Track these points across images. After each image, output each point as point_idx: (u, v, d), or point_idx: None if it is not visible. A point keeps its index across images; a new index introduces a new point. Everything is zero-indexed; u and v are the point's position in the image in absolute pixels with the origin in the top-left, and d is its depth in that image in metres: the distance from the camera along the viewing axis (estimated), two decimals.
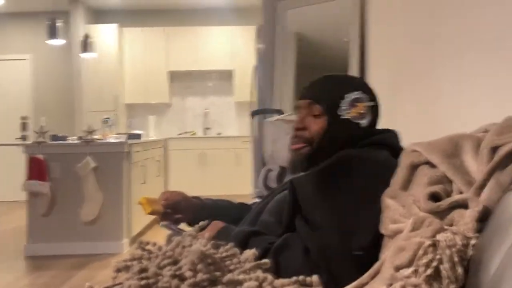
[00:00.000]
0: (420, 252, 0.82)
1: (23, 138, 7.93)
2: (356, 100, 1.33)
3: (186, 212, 1.55)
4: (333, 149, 1.29)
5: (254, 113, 2.96)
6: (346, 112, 1.32)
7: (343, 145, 1.30)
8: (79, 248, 4.46)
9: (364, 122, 1.33)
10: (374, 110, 1.36)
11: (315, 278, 0.81)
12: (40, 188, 4.37)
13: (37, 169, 4.38)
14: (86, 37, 6.11)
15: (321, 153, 1.32)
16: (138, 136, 5.40)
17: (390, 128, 1.40)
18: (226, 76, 8.28)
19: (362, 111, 1.33)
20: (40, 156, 4.40)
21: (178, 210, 1.53)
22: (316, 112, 1.34)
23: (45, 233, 4.48)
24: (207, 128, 8.40)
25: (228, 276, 0.75)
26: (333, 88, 1.36)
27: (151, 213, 1.51)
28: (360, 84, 1.38)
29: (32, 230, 4.49)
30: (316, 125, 1.34)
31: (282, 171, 2.34)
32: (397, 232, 0.99)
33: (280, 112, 2.77)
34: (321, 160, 1.29)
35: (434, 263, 0.79)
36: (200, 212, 1.54)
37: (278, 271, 1.08)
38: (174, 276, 0.78)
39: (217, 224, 1.36)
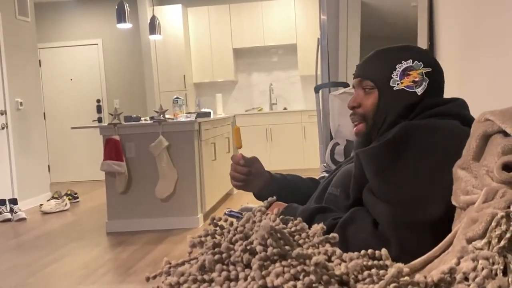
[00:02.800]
0: (493, 223, 0.80)
1: (99, 120, 8.32)
2: (408, 69, 1.29)
3: (256, 177, 1.54)
4: (392, 122, 1.27)
5: (319, 87, 2.94)
6: (399, 82, 1.29)
7: (403, 116, 1.27)
8: (156, 224, 4.65)
9: (420, 89, 1.29)
10: (433, 76, 1.31)
11: (384, 251, 0.82)
12: (117, 168, 4.57)
13: (113, 150, 4.58)
14: (154, 19, 6.24)
15: (378, 128, 1.30)
16: (207, 114, 5.51)
17: (460, 95, 1.36)
18: (290, 50, 8.24)
19: (416, 79, 1.29)
20: (116, 137, 4.60)
21: (250, 172, 1.53)
22: (367, 87, 1.33)
23: (123, 210, 4.71)
24: (273, 104, 8.42)
25: (297, 250, 0.77)
26: (382, 61, 1.33)
27: (238, 146, 1.54)
28: (412, 53, 1.33)
29: (111, 208, 4.73)
30: (368, 100, 1.32)
31: (349, 144, 2.33)
32: (470, 204, 0.97)
33: (345, 84, 2.73)
34: (380, 135, 1.27)
35: (508, 235, 0.77)
36: (269, 183, 1.55)
37: (346, 245, 1.09)
38: (245, 251, 0.81)
39: (281, 204, 1.38)
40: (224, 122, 6.19)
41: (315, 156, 5.51)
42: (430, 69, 1.30)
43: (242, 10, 8.12)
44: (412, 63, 1.30)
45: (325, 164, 2.50)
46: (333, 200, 1.36)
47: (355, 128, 1.36)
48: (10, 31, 6.13)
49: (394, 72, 1.30)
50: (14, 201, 5.64)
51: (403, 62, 1.30)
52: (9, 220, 5.45)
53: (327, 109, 2.72)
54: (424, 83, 1.29)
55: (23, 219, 5.48)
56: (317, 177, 1.79)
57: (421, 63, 1.30)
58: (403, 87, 1.29)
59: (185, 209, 4.69)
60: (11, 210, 5.54)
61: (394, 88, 1.29)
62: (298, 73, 8.21)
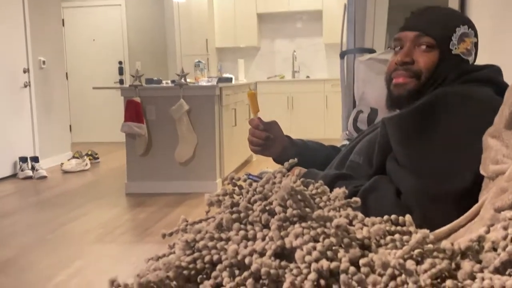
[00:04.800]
0: None
1: (120, 82, 8.33)
2: (465, 35, 1.24)
3: (275, 141, 1.51)
4: (439, 85, 1.22)
5: (344, 53, 2.87)
6: (456, 46, 1.24)
7: (449, 82, 1.22)
8: (175, 187, 4.68)
9: (471, 58, 1.25)
10: (477, 48, 1.27)
11: (408, 217, 0.79)
12: (137, 130, 4.58)
13: (134, 112, 4.58)
14: None
15: (427, 88, 1.24)
16: (228, 80, 5.46)
17: (491, 62, 1.30)
18: (315, 16, 8.08)
19: (468, 47, 1.24)
20: (137, 99, 4.59)
21: (269, 136, 1.49)
22: (426, 44, 1.25)
23: (143, 172, 4.74)
24: (296, 71, 8.32)
25: (318, 212, 0.75)
26: (444, 20, 1.26)
27: (255, 111, 1.49)
28: (467, 19, 1.28)
29: (131, 169, 4.77)
30: (427, 58, 1.25)
31: (373, 112, 2.27)
32: (499, 173, 0.93)
33: (371, 51, 2.66)
34: (424, 96, 1.22)
35: None
36: (288, 148, 1.51)
37: (366, 214, 1.06)
38: (264, 211, 0.79)
39: (302, 169, 1.34)
40: (245, 88, 6.14)
41: (336, 126, 5.45)
42: (476, 40, 1.26)
43: None
44: (468, 30, 1.25)
45: (347, 132, 2.45)
46: (355, 168, 1.32)
47: (401, 79, 1.27)
48: None
49: (454, 34, 1.24)
50: (35, 159, 5.72)
51: (461, 26, 1.24)
52: (30, 177, 5.54)
53: (351, 76, 2.66)
54: (473, 52, 1.25)
55: (44, 177, 5.56)
56: (338, 145, 1.75)
57: (473, 32, 1.25)
58: (459, 53, 1.24)
59: (204, 173, 4.70)
60: (33, 168, 5.62)
61: (453, 52, 1.24)
62: (323, 41, 8.07)
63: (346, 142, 1.97)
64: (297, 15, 8.24)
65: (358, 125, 2.34)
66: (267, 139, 1.48)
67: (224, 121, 4.89)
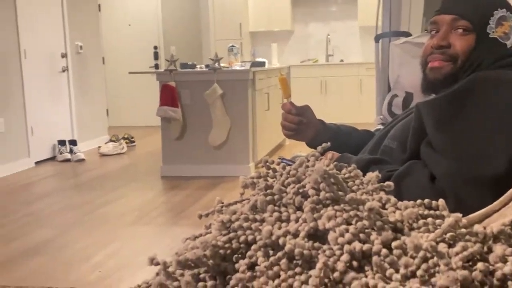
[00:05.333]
0: None
1: (156, 66, 8.42)
2: (503, 19, 1.22)
3: (308, 126, 1.51)
4: (476, 70, 1.20)
5: (379, 36, 2.84)
6: (494, 30, 1.21)
7: (486, 66, 1.20)
8: (209, 170, 4.74)
9: (509, 42, 1.22)
10: None
11: (441, 201, 0.79)
12: (172, 114, 4.64)
13: (169, 96, 4.64)
14: None
15: (464, 72, 1.23)
16: (262, 64, 5.46)
17: None
18: None
19: (506, 31, 1.22)
20: (172, 83, 4.65)
21: (302, 121, 1.49)
22: (462, 28, 1.23)
23: (178, 155, 4.81)
24: (330, 55, 8.25)
25: (351, 195, 0.76)
26: (481, 3, 1.24)
27: (287, 96, 1.50)
28: (505, 2, 1.26)
29: (166, 153, 4.85)
30: (464, 42, 1.23)
31: (408, 96, 2.25)
32: None
33: (407, 34, 2.62)
34: (461, 80, 1.21)
35: None
36: (321, 132, 1.51)
37: (400, 198, 1.07)
38: (297, 194, 0.81)
39: (335, 153, 1.35)
40: (278, 73, 6.13)
41: (370, 110, 5.40)
42: None
43: None
44: (506, 13, 1.22)
45: (381, 117, 2.44)
46: (389, 152, 1.32)
47: (437, 63, 1.26)
48: None
49: (491, 18, 1.22)
50: (73, 142, 5.87)
51: (499, 9, 1.22)
52: (68, 160, 5.69)
53: (386, 60, 2.63)
54: (511, 36, 1.23)
55: (82, 160, 5.70)
56: (372, 130, 1.74)
57: (511, 15, 1.23)
58: (496, 36, 1.22)
59: (237, 157, 4.74)
60: (71, 151, 5.77)
61: (490, 36, 1.22)
62: (357, 24, 7.97)
63: (380, 127, 1.96)
64: None
65: (392, 110, 2.33)
66: (300, 123, 1.49)
67: (257, 105, 4.91)
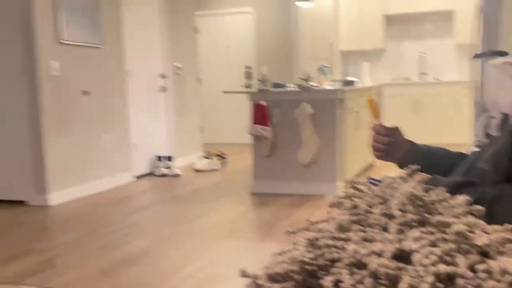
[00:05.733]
0: None
1: (248, 86, 8.64)
2: None
3: (397, 147, 1.50)
4: None
5: (477, 56, 2.76)
6: None
7: None
8: (298, 188, 4.78)
9: None
10: None
11: None
12: (263, 132, 4.75)
13: (260, 115, 4.76)
14: None
15: None
16: (352, 83, 5.45)
17: None
18: (445, 17, 7.75)
19: None
20: (263, 103, 4.76)
21: (392, 142, 1.49)
22: None
23: (267, 172, 4.90)
24: (423, 74, 8.04)
25: (438, 218, 0.77)
26: None
27: (376, 117, 1.50)
28: None
29: (256, 170, 4.95)
30: None
31: (505, 118, 2.17)
32: None
33: (505, 54, 2.53)
34: None
35: None
36: (412, 154, 1.50)
37: (489, 222, 1.05)
38: (383, 214, 0.83)
39: (425, 175, 1.33)
40: (369, 92, 6.08)
41: (467, 131, 5.19)
42: None
43: None
44: None
45: (477, 139, 2.36)
46: (482, 175, 1.29)
47: None
48: (171, 0, 6.57)
49: None
50: (170, 158, 6.16)
51: None
52: (165, 175, 5.98)
53: (483, 80, 2.55)
54: None
55: (178, 175, 5.97)
56: (467, 152, 1.70)
57: None
58: None
59: (326, 176, 4.74)
60: (168, 166, 6.06)
61: None
62: (453, 42, 7.72)
63: (476, 149, 1.90)
64: (426, 16, 7.96)
65: (488, 131, 2.25)
66: (389, 144, 1.49)
67: (346, 124, 4.90)
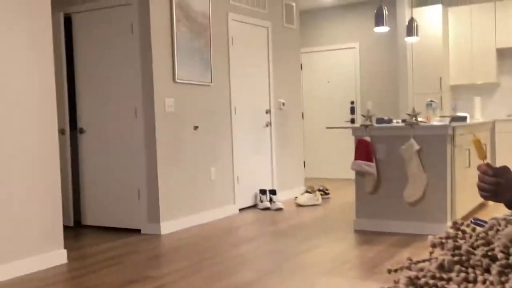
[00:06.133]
0: None
1: (352, 121, 8.62)
2: None
3: (506, 187, 1.45)
4: None
5: None
6: None
7: None
8: (403, 226, 4.65)
9: None
10: None
11: None
12: (367, 168, 4.71)
13: (364, 151, 4.73)
14: (412, 21, 6.21)
15: None
16: (462, 119, 5.25)
17: None
18: None
19: None
20: (367, 138, 4.74)
21: (500, 182, 1.45)
22: None
23: (371, 210, 4.83)
24: None
25: None
26: None
27: (482, 158, 1.47)
28: None
29: (360, 207, 4.90)
30: None
31: None
32: None
33: None
34: None
35: None
36: None
37: None
38: (485, 256, 0.83)
39: None
40: (481, 128, 5.81)
41: None
42: None
43: (509, 7, 7.47)
44: None
45: None
46: None
47: None
48: (277, 38, 6.81)
49: None
50: (273, 192, 6.28)
51: None
52: (268, 208, 6.09)
53: None
54: None
55: (280, 209, 6.06)
56: None
57: None
58: None
59: (434, 215, 4.58)
60: (270, 200, 6.18)
61: None
62: None
63: None
64: None
65: None
66: (497, 185, 1.45)
67: (456, 161, 4.72)
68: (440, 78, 7.73)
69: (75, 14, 5.33)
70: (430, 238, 0.95)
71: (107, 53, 5.17)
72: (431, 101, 5.62)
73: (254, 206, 6.29)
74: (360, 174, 4.86)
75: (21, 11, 3.65)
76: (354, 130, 4.97)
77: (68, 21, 5.42)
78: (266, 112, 6.58)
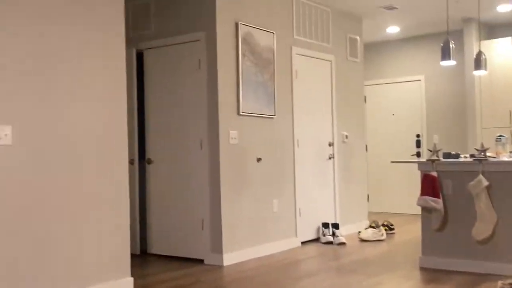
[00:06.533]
0: None
1: (417, 155, 8.44)
2: None
3: None
4: None
5: None
6: None
7: None
8: (471, 266, 4.48)
9: None
10: None
11: None
12: (433, 204, 4.59)
13: (430, 186, 4.62)
14: (480, 54, 6.08)
15: None
16: None
17: None
18: None
19: None
20: (434, 173, 4.63)
21: None
22: None
23: (438, 247, 4.68)
24: None
25: None
26: None
27: None
28: None
29: (425, 243, 4.76)
30: None
31: None
32: None
33: None
34: None
35: None
36: None
37: None
38: None
39: None
40: None
41: None
42: None
43: None
44: None
45: None
46: None
47: None
48: (341, 71, 6.84)
49: None
50: (336, 226, 6.21)
51: None
52: (330, 242, 6.03)
53: None
54: None
55: (343, 243, 5.98)
56: None
57: None
58: None
59: (504, 255, 4.38)
60: (333, 234, 6.11)
61: None
62: None
63: None
64: None
65: None
66: None
67: None
68: (510, 112, 7.47)
69: (146, 50, 5.60)
70: (499, 284, 0.94)
71: (175, 87, 5.37)
72: (501, 135, 5.44)
73: (317, 239, 6.24)
74: (426, 210, 4.74)
75: (98, 48, 3.89)
76: (420, 164, 4.88)
77: (139, 56, 5.70)
78: (329, 145, 6.58)
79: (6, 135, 3.28)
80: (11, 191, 3.30)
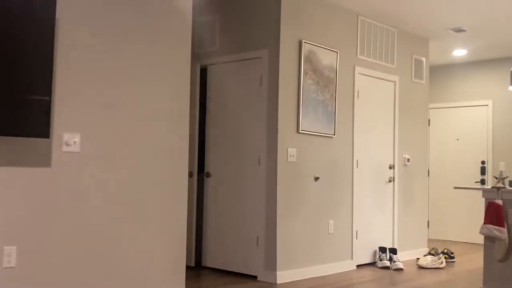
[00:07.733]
0: None
1: (482, 182, 8.12)
2: None
3: None
4: None
5: None
6: None
7: None
8: None
9: None
10: None
11: None
12: (497, 233, 4.39)
13: (494, 214, 4.43)
14: None
15: None
16: None
17: None
18: None
19: None
20: (499, 201, 4.44)
21: None
22: None
23: (501, 278, 4.46)
24: None
25: None
26: None
27: None
28: None
29: (488, 274, 4.55)
30: None
31: None
32: None
33: None
34: None
35: None
36: None
37: None
38: None
39: None
40: None
41: None
42: None
43: None
44: None
45: None
46: None
47: None
48: (405, 93, 6.72)
49: None
50: (393, 251, 6.05)
51: None
52: (387, 267, 5.87)
53: None
54: None
55: (400, 269, 5.81)
56: None
57: None
58: None
59: None
60: (390, 259, 5.95)
61: None
62: None
63: None
64: None
65: None
66: None
67: None
68: None
69: (210, 66, 5.73)
70: None
71: (236, 102, 5.45)
72: None
73: (373, 263, 6.10)
74: (489, 239, 4.54)
75: (165, 63, 4.02)
76: (485, 192, 4.69)
77: (203, 72, 5.83)
78: (390, 167, 6.45)
79: (75, 142, 3.43)
80: (79, 192, 3.44)
